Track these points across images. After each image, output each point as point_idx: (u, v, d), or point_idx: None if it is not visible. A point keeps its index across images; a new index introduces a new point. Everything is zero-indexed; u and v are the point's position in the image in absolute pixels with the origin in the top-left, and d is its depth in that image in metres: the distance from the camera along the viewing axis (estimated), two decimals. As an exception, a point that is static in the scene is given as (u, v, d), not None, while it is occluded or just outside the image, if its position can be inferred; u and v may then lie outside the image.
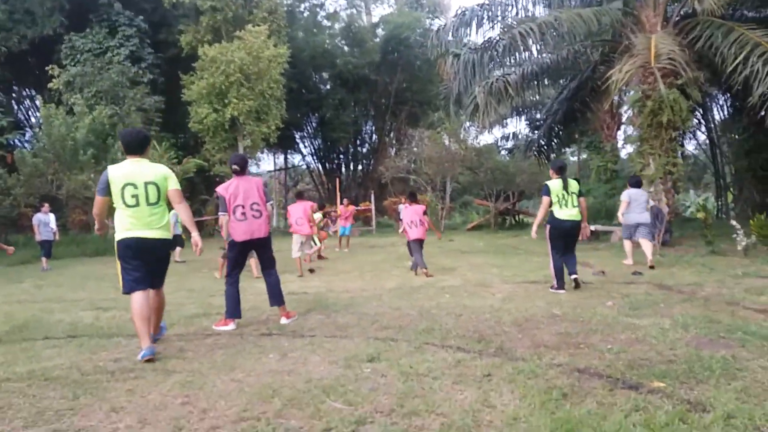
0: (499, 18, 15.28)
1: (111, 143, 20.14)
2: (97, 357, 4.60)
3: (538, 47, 15.30)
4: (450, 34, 15.57)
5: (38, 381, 3.94)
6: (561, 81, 18.36)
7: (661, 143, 13.15)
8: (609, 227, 15.38)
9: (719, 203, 24.92)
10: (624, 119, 20.62)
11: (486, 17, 15.44)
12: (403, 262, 11.36)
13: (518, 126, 29.17)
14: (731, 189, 23.93)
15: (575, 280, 7.32)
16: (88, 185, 17.28)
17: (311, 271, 10.81)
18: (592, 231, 15.55)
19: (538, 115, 25.29)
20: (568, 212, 7.28)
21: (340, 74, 31.23)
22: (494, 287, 7.80)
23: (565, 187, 7.31)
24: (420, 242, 9.82)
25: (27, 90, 29.38)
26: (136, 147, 4.74)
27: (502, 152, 29.60)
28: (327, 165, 37.12)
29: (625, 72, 11.45)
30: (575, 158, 30.21)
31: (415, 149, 33.02)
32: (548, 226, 7.51)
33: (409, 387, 3.56)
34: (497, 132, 29.77)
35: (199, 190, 26.06)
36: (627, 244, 10.32)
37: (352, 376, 3.88)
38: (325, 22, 35.37)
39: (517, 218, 26.14)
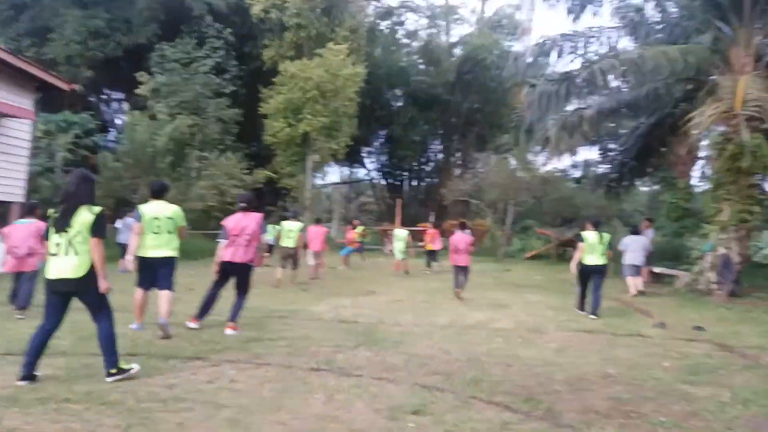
0: (582, 50, 14.85)
1: (189, 152, 20.97)
2: (153, 381, 4.79)
3: (618, 83, 14.81)
4: (528, 62, 15.25)
5: (95, 405, 4.14)
6: (638, 116, 17.73)
7: (738, 189, 12.45)
8: (674, 271, 14.13)
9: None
10: (702, 156, 19.74)
11: (567, 48, 15.04)
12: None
13: (589, 155, 28.42)
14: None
15: (591, 318, 8.95)
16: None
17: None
18: (656, 273, 14.81)
19: (612, 145, 24.49)
20: (594, 259, 9.19)
21: (413, 92, 31.32)
22: (549, 334, 7.61)
23: (600, 239, 9.20)
24: (458, 267, 11.09)
25: (115, 92, 31.03)
26: (159, 192, 6.83)
27: (569, 181, 28.76)
28: (390, 180, 37.23)
29: (707, 116, 10.97)
30: (646, 189, 29.05)
31: (480, 171, 32.65)
32: (578, 267, 9.42)
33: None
34: (567, 160, 29.06)
35: (267, 201, 26.69)
36: (629, 280, 12.23)
37: (396, 429, 3.91)
38: (404, 40, 35.58)
39: (580, 250, 25.26)
